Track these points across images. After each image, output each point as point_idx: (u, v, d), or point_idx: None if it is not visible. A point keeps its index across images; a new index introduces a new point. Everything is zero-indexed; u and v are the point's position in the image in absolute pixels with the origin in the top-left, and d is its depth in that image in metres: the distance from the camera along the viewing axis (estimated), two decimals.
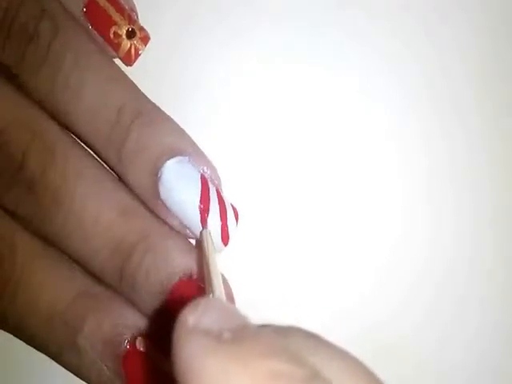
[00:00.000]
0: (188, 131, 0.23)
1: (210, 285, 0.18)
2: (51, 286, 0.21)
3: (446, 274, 0.24)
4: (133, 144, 0.21)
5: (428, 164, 0.24)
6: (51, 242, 0.22)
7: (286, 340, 0.14)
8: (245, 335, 0.13)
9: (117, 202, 0.22)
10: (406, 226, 0.24)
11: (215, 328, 0.13)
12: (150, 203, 0.22)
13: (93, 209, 0.21)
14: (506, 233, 0.24)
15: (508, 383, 0.24)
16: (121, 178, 0.22)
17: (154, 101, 0.23)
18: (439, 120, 0.24)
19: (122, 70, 0.23)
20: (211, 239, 0.21)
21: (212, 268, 0.19)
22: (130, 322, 0.21)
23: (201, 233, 0.22)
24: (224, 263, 0.23)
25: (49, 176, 0.21)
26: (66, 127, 0.22)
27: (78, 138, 0.22)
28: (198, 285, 0.21)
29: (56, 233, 0.21)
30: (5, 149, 0.21)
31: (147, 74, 0.23)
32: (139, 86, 0.23)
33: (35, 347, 0.22)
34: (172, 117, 0.23)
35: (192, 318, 0.13)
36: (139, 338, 0.21)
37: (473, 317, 0.24)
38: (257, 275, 0.24)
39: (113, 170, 0.22)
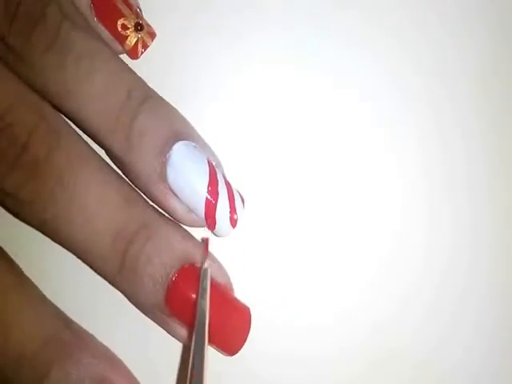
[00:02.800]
0: None
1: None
2: (22, 326, 0.21)
3: (445, 275, 0.25)
4: (142, 125, 0.21)
5: (428, 162, 0.25)
6: (51, 228, 0.21)
7: None
8: None
9: (120, 190, 0.22)
10: (405, 226, 0.25)
11: None
12: (156, 186, 0.22)
13: (97, 193, 0.21)
14: (505, 232, 0.25)
15: (508, 383, 0.24)
16: (126, 165, 0.22)
17: None
18: (437, 120, 0.25)
19: None
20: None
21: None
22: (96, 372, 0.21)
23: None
24: (225, 261, 0.23)
25: (54, 158, 0.21)
26: (71, 111, 0.22)
27: (85, 122, 0.22)
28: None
29: (58, 216, 0.21)
30: (9, 129, 0.21)
31: (148, 74, 0.23)
32: None
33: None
34: None
35: None
36: None
37: (472, 317, 0.24)
38: (257, 275, 0.24)
39: (118, 156, 0.22)
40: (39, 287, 0.22)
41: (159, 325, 0.22)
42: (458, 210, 0.25)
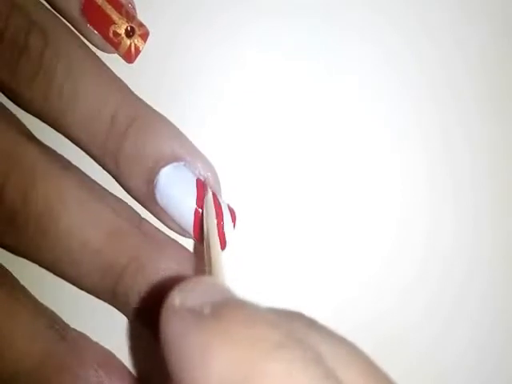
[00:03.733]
0: (187, 128, 0.23)
1: (210, 267, 0.18)
2: (15, 343, 0.21)
3: (446, 269, 0.24)
4: (128, 152, 0.21)
5: (429, 158, 0.24)
6: (44, 267, 0.22)
7: (273, 315, 0.14)
8: (224, 308, 0.13)
9: (103, 225, 0.21)
10: (407, 220, 0.24)
11: (199, 304, 0.13)
12: (149, 208, 0.22)
13: (79, 234, 0.21)
14: (506, 229, 0.24)
15: (507, 379, 0.24)
16: (119, 183, 0.23)
17: (152, 97, 0.23)
18: (439, 118, 0.24)
19: (120, 67, 0.23)
20: (213, 214, 0.21)
21: (213, 249, 0.19)
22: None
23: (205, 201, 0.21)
24: (226, 252, 0.23)
25: (30, 205, 0.20)
26: (63, 134, 0.22)
27: (77, 144, 0.22)
28: None
29: (44, 259, 0.21)
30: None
31: (147, 69, 0.23)
32: (138, 81, 0.23)
33: None
34: (170, 114, 0.23)
35: (179, 297, 0.13)
36: None
37: (472, 312, 0.24)
38: (258, 273, 0.24)
39: (110, 173, 0.23)
40: (38, 286, 0.22)
41: None
42: (459, 207, 0.24)
